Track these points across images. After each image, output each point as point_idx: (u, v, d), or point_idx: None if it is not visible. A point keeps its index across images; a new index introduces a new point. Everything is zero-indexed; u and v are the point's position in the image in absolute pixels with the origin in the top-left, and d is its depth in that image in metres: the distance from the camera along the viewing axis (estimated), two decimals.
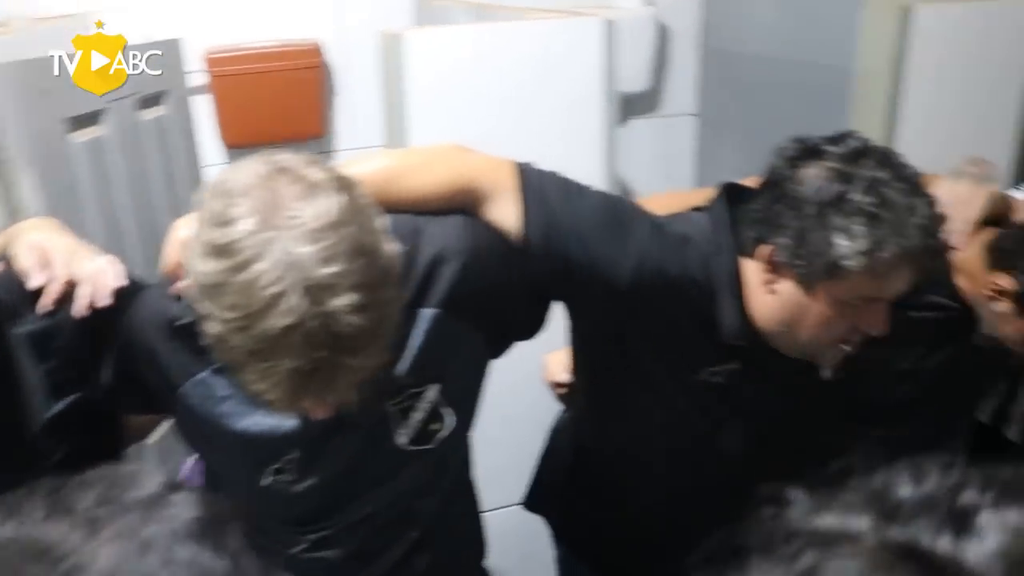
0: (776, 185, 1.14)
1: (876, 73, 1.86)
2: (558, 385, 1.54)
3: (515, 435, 1.72)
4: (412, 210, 1.14)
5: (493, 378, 1.26)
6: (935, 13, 1.81)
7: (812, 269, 1.10)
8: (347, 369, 0.86)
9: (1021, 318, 1.41)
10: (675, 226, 1.22)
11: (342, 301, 0.82)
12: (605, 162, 1.66)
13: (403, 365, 1.10)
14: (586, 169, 1.67)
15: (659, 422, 1.33)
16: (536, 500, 1.63)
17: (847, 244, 1.07)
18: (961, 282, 1.50)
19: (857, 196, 1.07)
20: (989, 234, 1.48)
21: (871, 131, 1.90)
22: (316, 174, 0.87)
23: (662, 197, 1.45)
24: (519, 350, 1.29)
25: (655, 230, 1.19)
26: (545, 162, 1.64)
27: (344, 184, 0.88)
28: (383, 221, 0.91)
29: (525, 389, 1.62)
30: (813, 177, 1.10)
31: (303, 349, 0.83)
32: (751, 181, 1.22)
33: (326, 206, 0.84)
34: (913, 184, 1.09)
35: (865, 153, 1.10)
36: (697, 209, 1.29)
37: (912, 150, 1.88)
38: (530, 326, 1.28)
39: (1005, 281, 1.41)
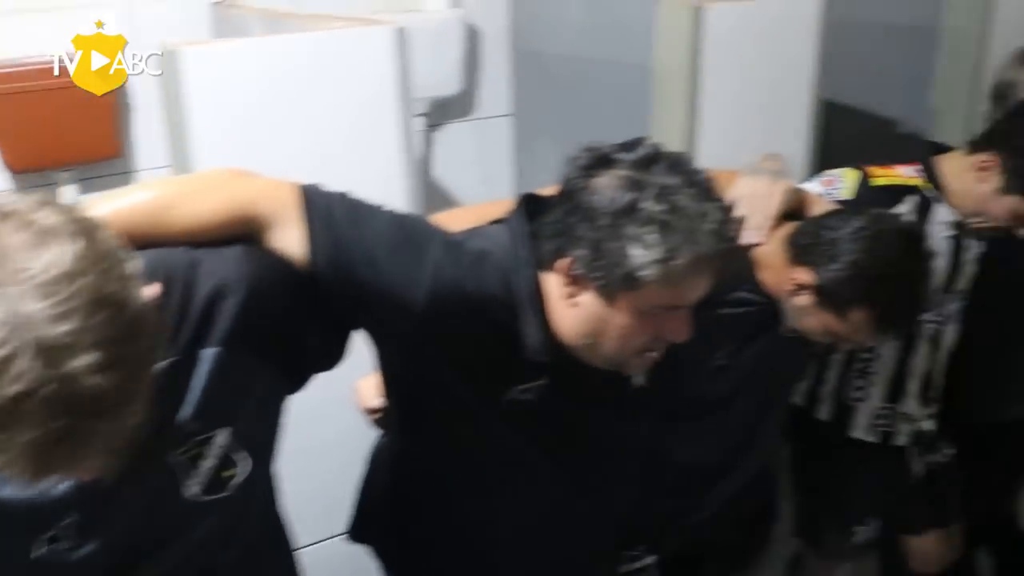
0: (570, 196, 1.11)
1: (673, 72, 1.89)
2: (372, 411, 1.48)
3: (335, 462, 1.65)
4: (187, 242, 1.05)
5: (307, 405, 1.19)
6: (724, 12, 1.85)
7: (610, 280, 1.08)
8: (97, 434, 0.77)
9: (821, 311, 1.46)
10: (472, 242, 1.18)
11: (82, 361, 0.73)
12: (406, 171, 1.61)
13: (186, 411, 1.01)
14: (388, 180, 1.62)
15: (471, 443, 1.29)
16: (360, 529, 1.56)
17: (641, 254, 1.05)
18: (764, 277, 1.53)
19: (649, 204, 1.05)
20: (787, 229, 1.52)
21: (672, 129, 1.94)
22: (48, 218, 0.77)
23: (461, 212, 1.41)
24: (330, 375, 1.22)
25: (450, 248, 1.15)
26: (345, 176, 1.56)
27: (83, 227, 0.78)
28: (134, 265, 0.82)
29: (342, 414, 1.55)
30: (605, 187, 1.08)
31: (41, 418, 0.73)
32: (551, 190, 1.19)
33: (59, 255, 0.74)
34: (704, 189, 1.09)
35: (656, 159, 1.09)
36: (496, 222, 1.25)
37: (711, 146, 1.95)
38: (329, 356, 1.21)
39: (804, 275, 1.45)
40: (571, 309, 1.14)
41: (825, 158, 2.06)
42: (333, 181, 1.18)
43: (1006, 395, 2.20)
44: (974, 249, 1.88)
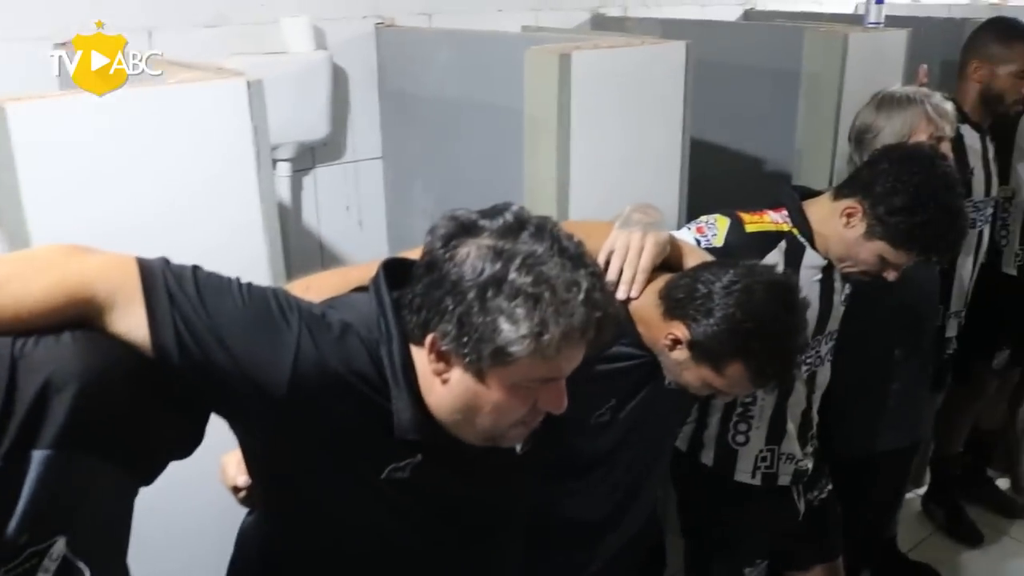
0: (434, 267, 1.05)
1: (543, 118, 1.86)
2: (237, 489, 1.37)
3: (199, 545, 1.53)
4: (13, 331, 0.94)
5: (166, 483, 1.09)
6: (592, 57, 1.84)
7: (479, 356, 1.02)
8: None
9: (698, 365, 1.43)
10: (335, 315, 1.10)
11: None
12: (265, 227, 1.51)
13: (16, 522, 0.90)
14: (246, 237, 1.52)
15: (345, 522, 1.20)
16: None
17: (510, 329, 1.00)
18: (640, 331, 1.50)
19: (516, 276, 1.00)
20: (662, 282, 1.49)
21: (544, 174, 1.91)
22: None
23: (324, 276, 1.32)
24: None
25: (312, 323, 1.07)
26: (199, 236, 1.46)
27: None
28: None
29: (205, 490, 1.43)
30: (469, 257, 1.02)
31: None
32: (417, 252, 1.12)
33: None
34: (574, 255, 1.04)
35: (521, 226, 1.04)
36: (360, 289, 1.17)
37: (584, 191, 1.92)
38: (183, 444, 1.10)
39: (679, 330, 1.43)
40: (441, 386, 1.08)
41: (695, 196, 2.07)
42: (186, 243, 1.08)
43: (877, 428, 2.26)
44: (843, 292, 1.91)
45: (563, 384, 1.09)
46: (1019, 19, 2.59)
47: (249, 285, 1.08)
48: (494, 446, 1.16)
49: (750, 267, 1.45)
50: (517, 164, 2.01)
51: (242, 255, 1.50)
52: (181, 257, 1.07)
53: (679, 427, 1.89)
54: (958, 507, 3.20)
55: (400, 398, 1.08)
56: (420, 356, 1.08)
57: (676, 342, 1.43)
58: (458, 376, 1.06)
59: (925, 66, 2.52)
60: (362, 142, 2.80)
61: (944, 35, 2.87)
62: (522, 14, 2.88)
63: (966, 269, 2.61)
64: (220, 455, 1.38)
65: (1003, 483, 3.41)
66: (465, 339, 1.01)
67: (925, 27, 2.66)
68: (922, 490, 3.27)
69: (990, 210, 2.65)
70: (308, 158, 2.71)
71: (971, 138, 2.53)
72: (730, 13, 3.41)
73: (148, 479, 1.08)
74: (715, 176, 2.25)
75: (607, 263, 1.49)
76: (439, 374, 1.07)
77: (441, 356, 1.05)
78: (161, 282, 1.01)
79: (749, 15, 3.39)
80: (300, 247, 2.73)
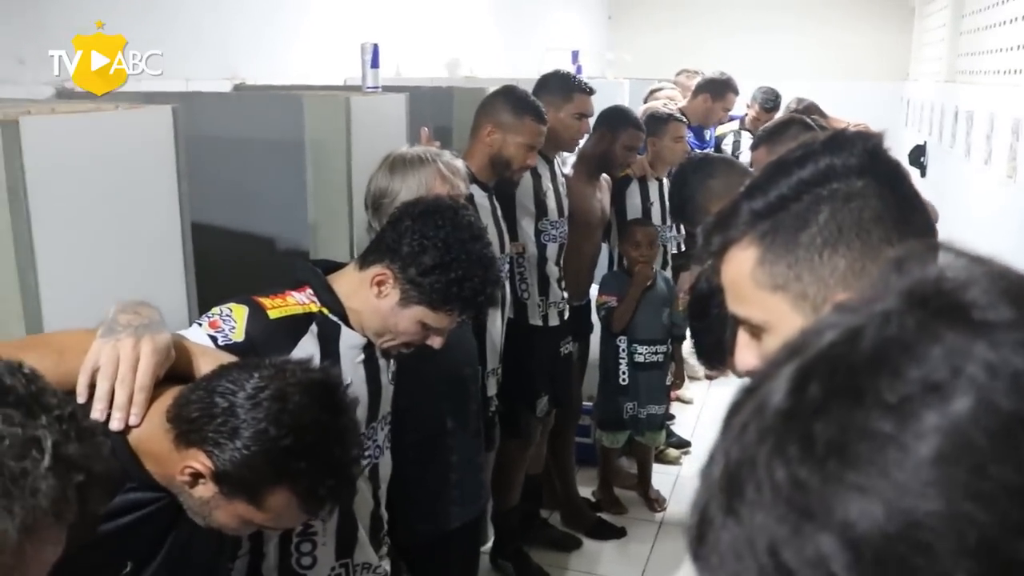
0: None
1: None
2: None
3: None
4: None
5: None
6: (49, 126, 1.44)
7: None
8: None
9: (232, 501, 1.12)
10: None
11: None
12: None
13: None
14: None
15: None
16: None
17: None
18: (150, 466, 1.16)
19: None
20: (170, 398, 1.16)
21: (2, 276, 1.45)
22: None
23: None
24: None
25: None
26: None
27: None
28: None
29: None
30: None
31: None
32: None
33: None
34: (27, 397, 0.74)
35: None
36: None
37: (58, 292, 1.47)
38: None
39: (199, 461, 1.11)
40: None
41: (206, 288, 1.75)
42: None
43: (444, 506, 2.14)
44: (390, 370, 1.74)
45: None
46: (529, 93, 2.70)
47: None
48: None
49: (279, 366, 1.17)
50: None
51: None
52: None
53: (232, 562, 1.55)
54: (523, 555, 3.23)
55: None
56: None
57: (197, 476, 1.11)
58: None
59: (426, 129, 2.50)
60: None
61: (435, 102, 2.93)
62: None
63: (496, 326, 2.62)
64: None
65: (554, 519, 3.53)
66: None
67: (417, 94, 2.66)
68: (487, 546, 3.24)
69: (507, 266, 2.71)
70: None
71: (480, 197, 2.56)
72: (218, 87, 3.15)
73: None
74: (226, 264, 1.96)
75: (92, 386, 1.13)
76: None
77: None
78: None
79: (239, 89, 3.17)
80: None
